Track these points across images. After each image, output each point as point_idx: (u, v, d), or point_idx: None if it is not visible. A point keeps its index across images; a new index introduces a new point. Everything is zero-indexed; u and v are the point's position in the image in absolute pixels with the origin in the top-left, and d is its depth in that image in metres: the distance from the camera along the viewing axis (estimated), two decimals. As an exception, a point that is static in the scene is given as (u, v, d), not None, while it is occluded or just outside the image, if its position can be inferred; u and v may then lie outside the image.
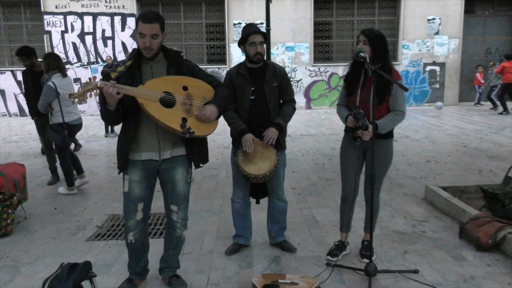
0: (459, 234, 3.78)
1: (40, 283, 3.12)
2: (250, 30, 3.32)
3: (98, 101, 2.68)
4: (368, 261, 3.09)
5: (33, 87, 5.78)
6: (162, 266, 3.10)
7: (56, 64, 5.25)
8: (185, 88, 2.73)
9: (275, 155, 3.31)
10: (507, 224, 3.50)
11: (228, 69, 14.91)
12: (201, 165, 2.90)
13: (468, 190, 4.84)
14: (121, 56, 14.57)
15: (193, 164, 2.90)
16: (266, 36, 3.39)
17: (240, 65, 3.48)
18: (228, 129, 3.47)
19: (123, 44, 14.54)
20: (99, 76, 14.02)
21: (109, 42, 14.54)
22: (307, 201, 5.00)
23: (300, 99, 14.68)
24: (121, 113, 2.69)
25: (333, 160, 7.03)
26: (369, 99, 3.10)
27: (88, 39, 14.48)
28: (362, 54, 2.96)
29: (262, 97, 3.37)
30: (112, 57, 14.20)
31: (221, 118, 2.99)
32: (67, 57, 14.37)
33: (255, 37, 3.29)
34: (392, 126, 3.14)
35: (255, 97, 3.37)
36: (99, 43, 14.54)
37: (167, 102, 2.66)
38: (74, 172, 5.60)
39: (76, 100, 2.55)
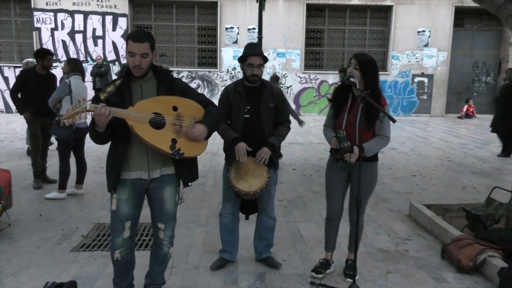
0: (441, 254, 3.86)
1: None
2: (250, 51, 3.36)
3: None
4: (351, 281, 3.14)
5: (36, 88, 5.83)
6: (148, 282, 3.10)
7: (80, 68, 5.49)
8: (175, 109, 2.74)
9: (266, 173, 3.35)
10: (487, 247, 3.58)
11: (219, 72, 14.97)
12: (190, 184, 2.91)
13: (451, 208, 4.94)
14: (111, 56, 14.49)
15: (182, 183, 2.92)
16: (266, 59, 3.42)
17: (238, 82, 3.51)
18: (216, 135, 3.47)
19: (114, 44, 14.46)
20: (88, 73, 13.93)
21: (100, 41, 14.44)
22: (293, 215, 5.05)
23: (289, 106, 14.75)
24: (110, 134, 2.70)
25: (320, 171, 7.09)
26: (356, 122, 3.15)
27: (78, 37, 14.38)
28: (352, 80, 3.00)
29: (257, 117, 3.41)
30: (102, 57, 14.14)
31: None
32: (56, 55, 14.20)
33: (253, 59, 3.33)
34: (377, 150, 3.20)
35: (250, 115, 3.41)
36: (89, 42, 14.44)
37: (157, 123, 2.67)
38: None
39: (65, 121, 2.54)
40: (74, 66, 5.44)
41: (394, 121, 2.82)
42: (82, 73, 5.50)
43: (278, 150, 3.55)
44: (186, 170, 2.87)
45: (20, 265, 3.64)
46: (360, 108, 3.11)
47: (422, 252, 4.00)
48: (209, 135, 2.83)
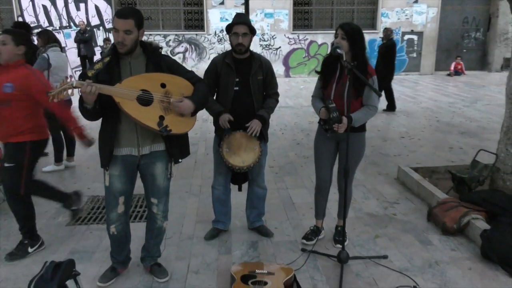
0: (427, 217, 3.99)
1: (24, 270, 3.23)
2: (235, 20, 3.33)
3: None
4: (341, 246, 3.26)
5: None
6: (144, 255, 3.20)
7: (54, 37, 5.37)
8: (163, 86, 2.74)
9: (258, 147, 3.40)
10: (471, 210, 3.71)
11: (206, 35, 14.63)
12: (180, 160, 2.95)
13: (438, 170, 5.06)
14: (95, 21, 14.11)
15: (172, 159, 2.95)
16: (253, 29, 3.37)
17: (226, 53, 3.47)
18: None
19: (97, 8, 14.04)
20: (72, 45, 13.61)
21: (82, 5, 14.01)
22: (285, 181, 5.14)
23: (279, 67, 14.63)
24: (99, 110, 2.70)
25: (310, 136, 7.16)
26: (344, 93, 3.18)
27: (60, 2, 13.92)
28: (339, 51, 2.99)
29: (247, 89, 3.40)
30: (85, 22, 13.77)
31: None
32: (37, 21, 13.82)
33: (238, 27, 3.30)
34: (365, 120, 3.24)
35: (239, 88, 3.40)
36: (71, 7, 14.01)
37: (144, 100, 2.68)
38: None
39: (54, 99, 2.55)
40: (47, 38, 5.31)
41: (379, 94, 2.85)
42: (58, 43, 5.39)
43: (268, 123, 3.57)
44: (176, 146, 2.91)
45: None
46: (347, 79, 3.12)
47: (409, 215, 4.14)
48: (196, 111, 2.84)
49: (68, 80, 2.58)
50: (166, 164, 2.94)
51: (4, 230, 3.92)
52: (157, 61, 2.80)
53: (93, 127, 7.42)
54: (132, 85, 2.66)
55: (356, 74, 2.91)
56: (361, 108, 3.24)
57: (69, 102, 5.50)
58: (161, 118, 2.71)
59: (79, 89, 2.54)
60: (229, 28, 3.37)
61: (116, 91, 2.61)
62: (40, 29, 5.83)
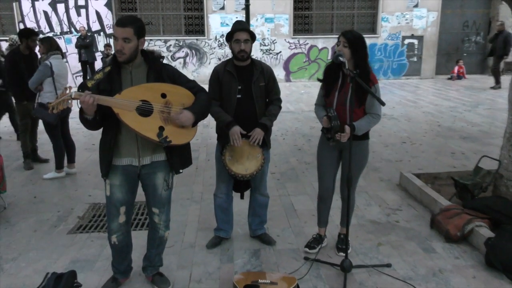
0: (430, 224, 3.97)
1: (25, 280, 3.21)
2: (236, 27, 3.33)
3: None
4: (344, 254, 3.23)
5: (24, 70, 5.70)
6: (146, 264, 3.18)
7: (56, 45, 5.37)
8: (163, 96, 2.72)
9: (261, 155, 3.38)
10: (475, 217, 3.69)
11: (206, 40, 14.61)
12: (181, 170, 2.93)
13: (440, 176, 5.03)
14: (95, 26, 14.12)
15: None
16: (254, 35, 3.37)
17: (227, 61, 3.47)
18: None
19: (98, 14, 14.05)
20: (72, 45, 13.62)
21: (83, 11, 14.02)
22: (286, 188, 5.12)
23: (279, 72, 14.62)
24: (100, 121, 2.69)
25: (312, 141, 7.14)
26: (347, 101, 3.16)
27: (60, 7, 13.93)
28: (341, 59, 2.98)
29: (249, 96, 3.39)
30: (86, 27, 13.78)
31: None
32: (38, 26, 13.81)
33: (239, 34, 3.29)
34: (368, 128, 3.22)
35: (241, 95, 3.38)
36: (72, 12, 14.01)
37: (144, 111, 2.66)
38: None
39: (53, 109, 2.54)
40: (50, 45, 5.30)
41: (383, 103, 2.84)
42: (60, 50, 5.39)
43: (270, 130, 3.56)
44: (177, 156, 2.88)
45: (19, 250, 3.69)
46: (350, 87, 3.11)
47: (412, 223, 4.11)
48: (196, 122, 2.82)
49: (67, 91, 2.58)
50: (167, 174, 2.92)
51: (5, 239, 3.90)
52: (158, 70, 2.79)
53: (94, 135, 7.43)
54: (132, 95, 2.64)
55: (359, 82, 2.90)
56: (364, 116, 3.22)
57: (68, 110, 5.48)
58: (161, 129, 2.69)
59: (78, 100, 2.53)
60: (229, 36, 3.36)
61: (115, 102, 2.59)
62: (41, 35, 5.80)
